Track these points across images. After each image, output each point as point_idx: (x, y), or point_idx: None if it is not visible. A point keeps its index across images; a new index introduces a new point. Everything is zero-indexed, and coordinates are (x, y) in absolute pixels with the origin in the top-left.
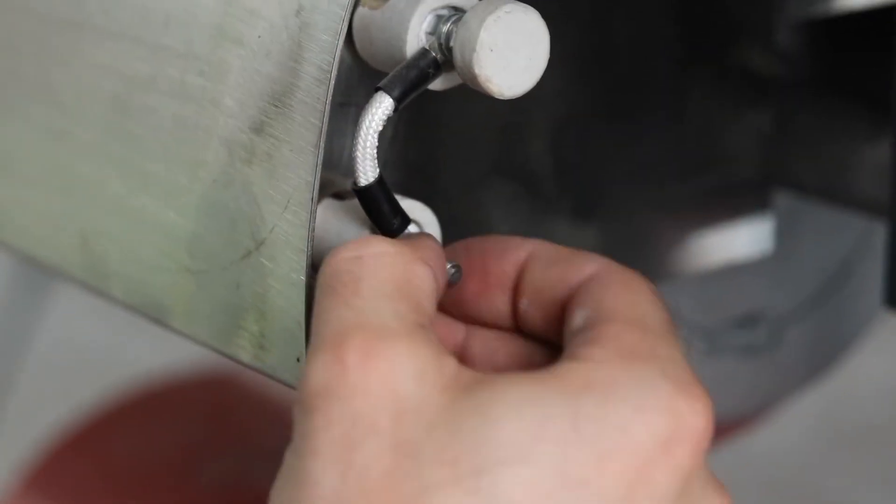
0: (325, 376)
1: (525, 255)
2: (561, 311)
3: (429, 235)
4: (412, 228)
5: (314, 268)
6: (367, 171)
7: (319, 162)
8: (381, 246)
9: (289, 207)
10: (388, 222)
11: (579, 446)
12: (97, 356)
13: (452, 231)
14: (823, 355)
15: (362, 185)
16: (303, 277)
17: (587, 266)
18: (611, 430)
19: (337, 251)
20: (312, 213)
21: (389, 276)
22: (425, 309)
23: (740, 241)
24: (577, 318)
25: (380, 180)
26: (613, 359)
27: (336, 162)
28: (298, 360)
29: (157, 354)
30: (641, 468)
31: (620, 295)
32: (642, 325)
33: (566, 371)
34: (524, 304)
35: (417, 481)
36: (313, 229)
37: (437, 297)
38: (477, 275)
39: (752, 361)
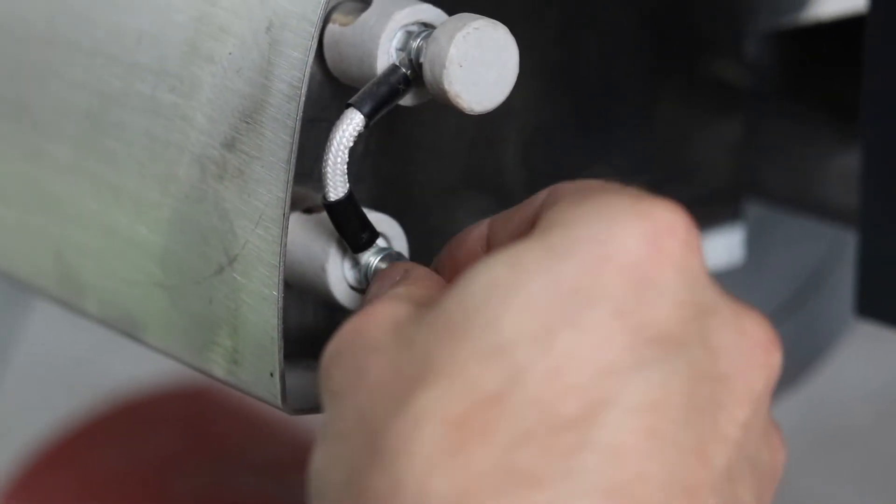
0: (333, 344)
1: (485, 226)
2: None
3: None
4: (380, 242)
5: (285, 283)
6: (337, 186)
7: (291, 178)
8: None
9: (260, 223)
10: (356, 237)
11: (559, 263)
12: (75, 369)
13: (426, 245)
14: (796, 363)
15: (332, 200)
16: (275, 292)
17: (540, 195)
18: (588, 244)
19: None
20: (284, 229)
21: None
22: None
23: (712, 250)
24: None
25: (349, 196)
26: (567, 204)
27: (307, 177)
28: (272, 374)
29: (135, 367)
30: (636, 267)
31: (572, 183)
32: (590, 185)
33: (528, 234)
34: None
35: (418, 355)
36: (285, 245)
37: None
38: (447, 267)
39: None
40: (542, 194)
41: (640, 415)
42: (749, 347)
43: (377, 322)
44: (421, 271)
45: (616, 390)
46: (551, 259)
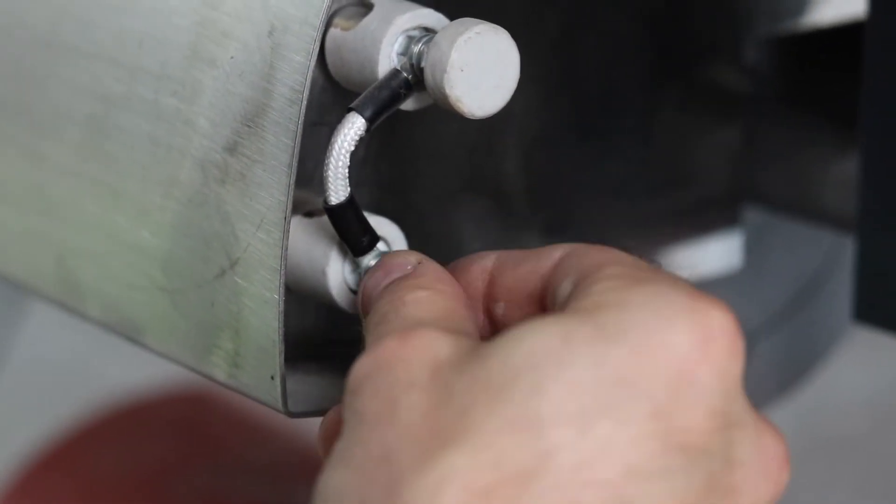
0: (367, 362)
1: (491, 262)
2: (539, 306)
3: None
4: (380, 246)
5: (286, 286)
6: (339, 190)
7: (292, 182)
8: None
9: (262, 226)
10: (357, 241)
11: (609, 347)
12: (71, 373)
13: (426, 249)
14: (794, 369)
15: (333, 203)
16: (276, 296)
17: (556, 251)
18: (641, 333)
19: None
20: (286, 233)
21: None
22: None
23: (711, 256)
24: (564, 287)
25: (350, 199)
26: (617, 284)
27: (308, 181)
28: (273, 377)
29: (131, 371)
30: (681, 367)
31: (602, 253)
32: (633, 264)
33: (574, 307)
34: (500, 308)
35: (454, 408)
36: (287, 248)
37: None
38: None
39: None
40: (557, 251)
41: None
42: (765, 463)
43: (419, 357)
44: (435, 271)
45: (638, 493)
46: (601, 341)
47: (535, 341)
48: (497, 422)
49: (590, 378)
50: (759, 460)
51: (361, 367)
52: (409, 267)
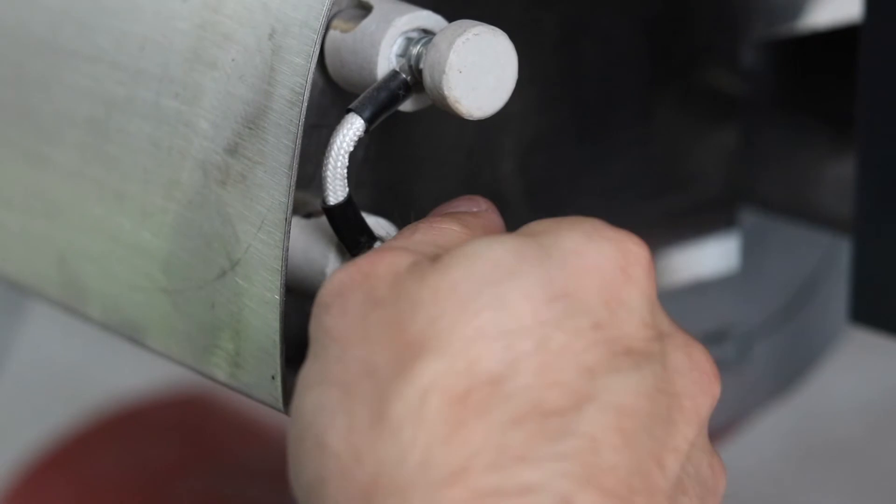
0: (335, 281)
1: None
2: None
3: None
4: (378, 246)
5: (287, 287)
6: (337, 190)
7: (293, 183)
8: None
9: (263, 228)
10: (355, 241)
11: (553, 265)
12: (69, 377)
13: None
14: (791, 370)
15: (331, 203)
16: (277, 296)
17: None
18: (571, 255)
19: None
20: (286, 234)
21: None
22: None
23: (707, 258)
24: None
25: (348, 200)
26: (549, 221)
27: (308, 182)
28: (273, 377)
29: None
30: (610, 286)
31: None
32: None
33: (515, 233)
34: None
35: (423, 318)
36: (287, 249)
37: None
38: None
39: (721, 376)
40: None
41: (614, 414)
42: (697, 373)
43: (378, 273)
44: (490, 222)
45: (596, 389)
46: (547, 260)
47: (492, 254)
48: (466, 331)
49: (542, 293)
50: (692, 371)
51: (331, 285)
52: (475, 209)
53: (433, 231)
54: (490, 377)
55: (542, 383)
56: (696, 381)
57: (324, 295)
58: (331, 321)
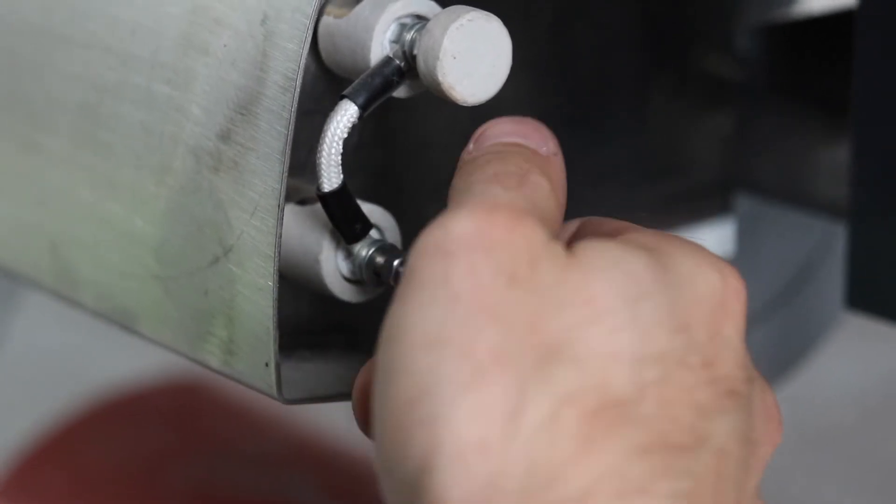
0: (473, 226)
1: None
2: None
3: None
4: (373, 234)
5: (280, 273)
6: (332, 177)
7: (286, 169)
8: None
9: (256, 214)
10: (349, 228)
11: (675, 291)
12: (64, 365)
13: (416, 235)
14: (787, 356)
15: (326, 190)
16: (270, 283)
17: (571, 224)
18: (687, 282)
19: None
20: (279, 220)
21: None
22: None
23: (703, 243)
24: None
25: (343, 187)
26: (649, 235)
27: (301, 169)
28: (267, 364)
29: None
30: (714, 319)
31: (615, 221)
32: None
33: (627, 238)
34: None
35: (562, 321)
36: (280, 235)
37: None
38: None
39: None
40: (572, 224)
41: (716, 457)
42: (771, 422)
43: (515, 244)
44: (562, 175)
45: (708, 431)
46: (669, 283)
47: (631, 268)
48: (604, 347)
49: (669, 322)
50: (768, 418)
51: (464, 224)
52: (544, 149)
53: (527, 187)
54: (618, 399)
55: (665, 415)
56: (770, 430)
57: (446, 241)
58: (457, 276)
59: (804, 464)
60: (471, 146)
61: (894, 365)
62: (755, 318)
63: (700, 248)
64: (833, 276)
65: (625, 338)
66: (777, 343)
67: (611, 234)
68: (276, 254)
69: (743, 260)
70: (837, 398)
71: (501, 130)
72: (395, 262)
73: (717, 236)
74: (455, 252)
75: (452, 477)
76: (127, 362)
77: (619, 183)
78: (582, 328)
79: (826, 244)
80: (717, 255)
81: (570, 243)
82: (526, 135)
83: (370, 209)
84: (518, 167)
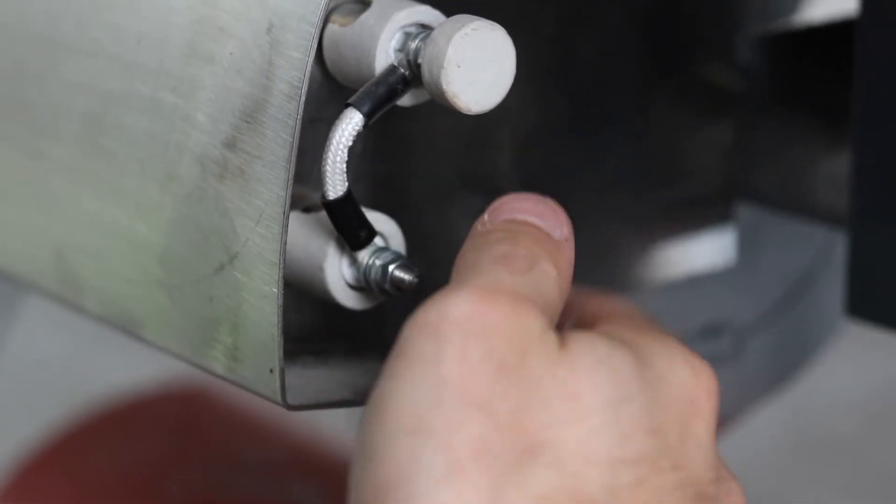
0: (471, 309)
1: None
2: None
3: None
4: (378, 241)
5: (285, 280)
6: (337, 185)
7: (291, 177)
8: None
9: (261, 221)
10: (354, 235)
11: (650, 392)
12: (65, 372)
13: (420, 243)
14: (787, 364)
15: (331, 198)
16: (275, 290)
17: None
18: (662, 382)
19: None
20: (284, 227)
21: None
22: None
23: (703, 252)
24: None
25: (348, 194)
26: (628, 329)
27: (307, 177)
28: (272, 371)
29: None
30: (684, 419)
31: (600, 298)
32: (635, 314)
33: (609, 331)
34: None
35: (544, 417)
36: (285, 243)
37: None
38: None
39: (717, 370)
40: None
41: None
42: None
43: (506, 331)
44: (570, 263)
45: None
46: (647, 383)
47: (615, 364)
48: (582, 449)
49: (645, 424)
50: None
51: (461, 306)
52: (558, 234)
53: (534, 273)
54: (591, 500)
55: None
56: None
57: (441, 322)
58: (447, 359)
59: (804, 471)
60: (486, 217)
61: (892, 373)
62: (755, 326)
63: (675, 345)
64: (833, 284)
65: (604, 440)
66: (777, 351)
67: (595, 317)
68: (281, 261)
69: (743, 268)
70: (838, 406)
71: (518, 207)
72: (391, 267)
73: (717, 245)
74: (449, 334)
75: None
76: (128, 370)
77: (621, 192)
78: (563, 427)
79: (826, 253)
80: (693, 353)
81: (560, 326)
82: (542, 215)
83: (375, 217)
84: (528, 251)
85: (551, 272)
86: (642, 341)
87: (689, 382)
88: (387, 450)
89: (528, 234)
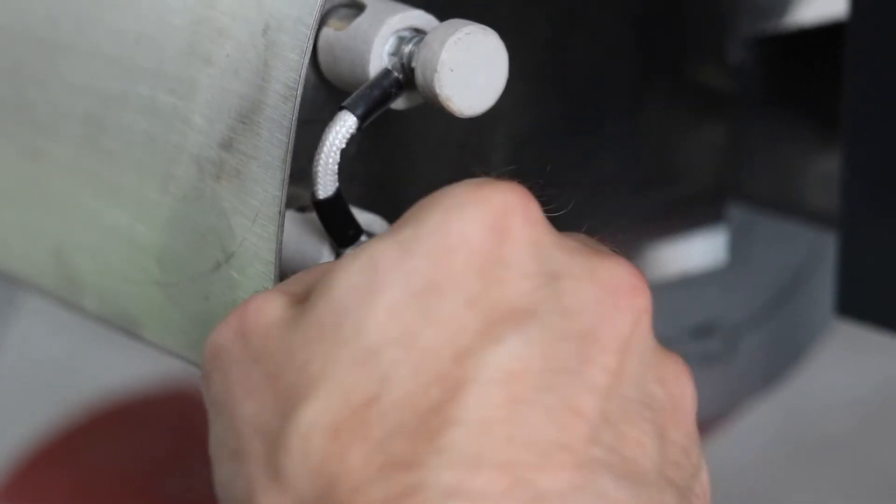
0: (212, 341)
1: None
2: None
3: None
4: (364, 239)
5: (280, 278)
6: (327, 185)
7: (286, 177)
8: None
9: (257, 221)
10: (343, 234)
11: (412, 261)
12: (64, 372)
13: None
14: (778, 363)
15: (321, 198)
16: (271, 288)
17: None
18: (433, 238)
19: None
20: (280, 227)
21: None
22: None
23: (695, 252)
24: None
25: (338, 194)
26: (415, 205)
27: (302, 177)
28: None
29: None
30: (481, 253)
31: None
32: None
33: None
34: None
35: (296, 366)
36: (281, 242)
37: None
38: None
39: (708, 370)
40: None
41: (500, 387)
42: (608, 297)
43: (250, 327)
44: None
45: (474, 369)
46: (403, 256)
47: (347, 278)
48: (334, 364)
49: (401, 295)
50: (601, 297)
51: (206, 352)
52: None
53: (304, 271)
54: (366, 400)
55: (419, 385)
56: (608, 306)
57: (203, 366)
58: (215, 389)
59: (796, 471)
60: None
61: (886, 373)
62: (747, 326)
63: (458, 194)
64: (824, 284)
65: (352, 345)
66: (768, 351)
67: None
68: (277, 260)
69: (735, 268)
70: (830, 406)
71: None
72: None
73: (709, 244)
74: (208, 371)
75: None
76: (126, 369)
77: (613, 192)
78: (314, 361)
79: (817, 253)
80: (487, 184)
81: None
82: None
83: (369, 219)
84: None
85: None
86: (411, 215)
87: (479, 218)
88: (222, 478)
89: None
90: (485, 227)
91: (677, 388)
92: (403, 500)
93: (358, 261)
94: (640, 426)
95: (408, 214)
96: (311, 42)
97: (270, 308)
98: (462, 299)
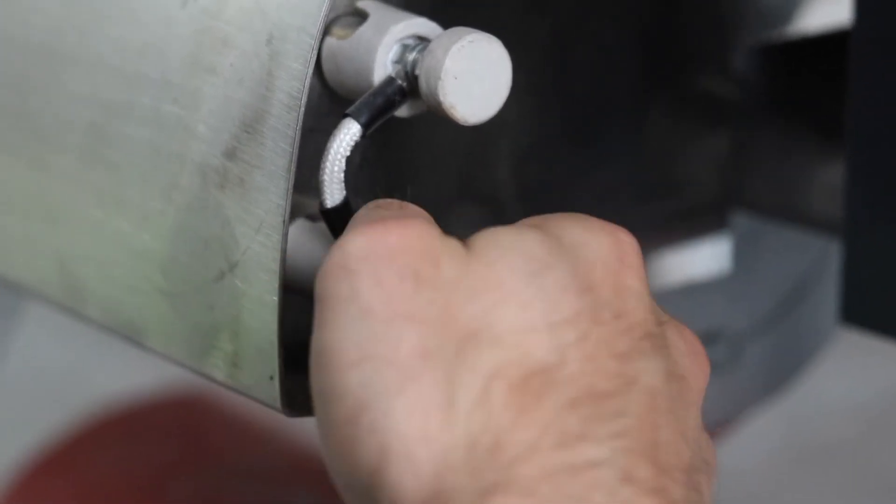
0: (367, 240)
1: None
2: None
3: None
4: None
5: (285, 288)
6: (334, 193)
7: (290, 186)
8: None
9: (261, 230)
10: None
11: (571, 258)
12: (67, 379)
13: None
14: (782, 371)
15: (328, 207)
16: (275, 298)
17: None
18: (581, 248)
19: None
20: (284, 236)
21: None
22: None
23: (699, 260)
24: None
25: (345, 203)
26: (537, 217)
27: (307, 185)
28: (272, 378)
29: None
30: (615, 275)
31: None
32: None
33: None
34: None
35: (473, 308)
36: (285, 251)
37: None
38: None
39: (712, 378)
40: None
41: (649, 395)
42: (694, 354)
43: (413, 247)
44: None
45: (635, 373)
46: (564, 252)
47: (526, 246)
48: (518, 323)
49: (574, 285)
50: (690, 352)
51: (354, 249)
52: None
53: (407, 207)
54: (543, 366)
55: (590, 370)
56: (696, 363)
57: (346, 259)
58: (364, 290)
59: (800, 478)
60: None
61: (890, 379)
62: (751, 334)
63: (586, 217)
64: (828, 292)
65: (536, 310)
66: (772, 358)
67: None
68: (281, 269)
69: (739, 277)
70: (834, 413)
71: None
72: None
73: (713, 253)
74: (357, 268)
75: (403, 471)
76: (129, 377)
77: (617, 202)
78: (494, 311)
79: (821, 261)
80: (603, 221)
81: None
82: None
83: None
84: (397, 202)
85: (422, 210)
86: (551, 221)
87: (608, 241)
88: (339, 388)
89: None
90: (614, 254)
91: (714, 455)
92: (585, 471)
93: (529, 234)
94: (703, 477)
95: (543, 221)
96: (315, 51)
97: (431, 235)
98: (611, 311)
